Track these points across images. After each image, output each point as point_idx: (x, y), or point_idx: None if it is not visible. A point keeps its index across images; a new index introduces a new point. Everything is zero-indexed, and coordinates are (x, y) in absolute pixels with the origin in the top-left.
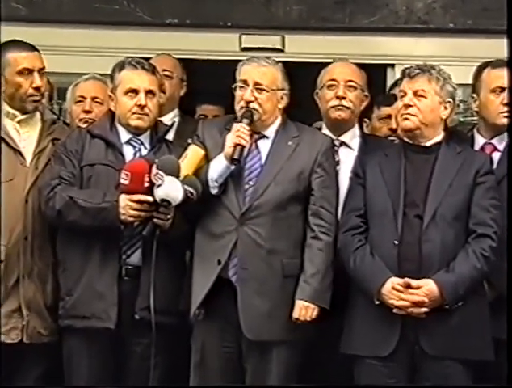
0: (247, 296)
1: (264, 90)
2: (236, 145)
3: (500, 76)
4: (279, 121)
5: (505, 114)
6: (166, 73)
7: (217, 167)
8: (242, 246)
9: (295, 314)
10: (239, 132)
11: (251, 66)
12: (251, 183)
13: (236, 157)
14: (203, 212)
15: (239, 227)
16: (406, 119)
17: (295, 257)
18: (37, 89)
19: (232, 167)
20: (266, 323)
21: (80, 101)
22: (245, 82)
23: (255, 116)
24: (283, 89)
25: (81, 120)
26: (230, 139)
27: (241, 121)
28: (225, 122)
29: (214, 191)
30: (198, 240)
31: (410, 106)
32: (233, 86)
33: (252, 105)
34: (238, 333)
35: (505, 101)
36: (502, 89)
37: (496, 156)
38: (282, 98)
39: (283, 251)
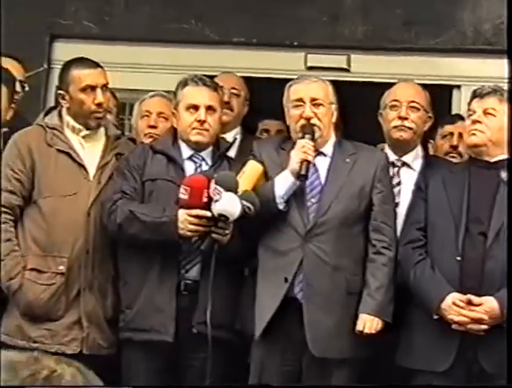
0: (313, 312)
1: (321, 104)
2: (303, 160)
3: None
4: (333, 138)
5: None
6: (234, 91)
7: (283, 184)
8: (308, 263)
9: (360, 327)
10: (305, 148)
11: (303, 84)
12: (313, 200)
13: (303, 173)
14: (265, 229)
15: (304, 244)
16: (473, 134)
17: (357, 273)
18: (99, 105)
19: (298, 183)
20: (330, 340)
21: (146, 116)
22: (300, 100)
23: (317, 133)
24: (334, 103)
25: (146, 134)
26: (296, 155)
27: (303, 137)
28: (279, 141)
29: (281, 206)
30: (261, 257)
31: (479, 122)
32: (285, 107)
33: (313, 121)
34: (299, 351)
35: None
36: None
37: None
38: (334, 112)
39: (346, 268)
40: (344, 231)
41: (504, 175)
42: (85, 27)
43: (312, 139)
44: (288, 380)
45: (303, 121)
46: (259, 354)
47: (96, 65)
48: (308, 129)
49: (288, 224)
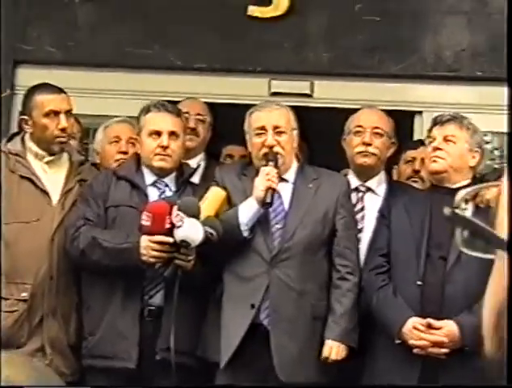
0: (279, 338)
1: (283, 132)
2: (267, 188)
3: None
4: (295, 164)
5: None
6: (200, 117)
7: (248, 211)
8: (274, 289)
9: (325, 353)
10: (269, 176)
11: (265, 112)
12: (278, 226)
13: (268, 200)
14: (230, 256)
15: (270, 270)
16: (434, 161)
17: (322, 299)
18: (63, 130)
19: (262, 210)
20: (297, 365)
21: (115, 141)
22: (262, 128)
23: (280, 160)
24: (296, 129)
25: (117, 160)
26: (261, 183)
27: (267, 165)
28: (241, 167)
29: (246, 234)
30: (227, 283)
31: (439, 149)
32: (247, 134)
33: (276, 149)
34: (265, 377)
35: None
36: None
37: None
38: (295, 138)
39: (311, 293)
40: (309, 257)
41: (447, 210)
42: (48, 53)
43: (276, 166)
44: None
45: (265, 149)
46: (225, 381)
47: (60, 90)
48: (272, 156)
49: (253, 250)
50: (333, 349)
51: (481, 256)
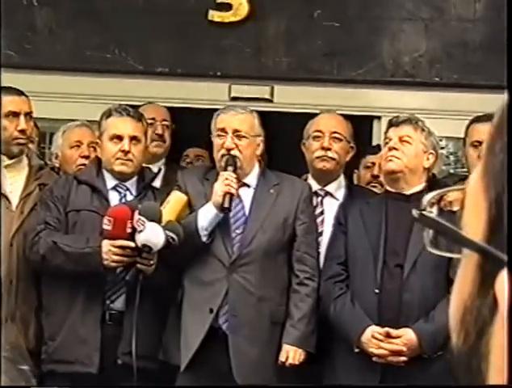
0: (238, 342)
1: (244, 136)
2: (225, 193)
3: (479, 131)
4: (257, 169)
5: None
6: (166, 123)
7: (206, 216)
8: (233, 294)
9: (283, 358)
10: (227, 181)
11: (228, 115)
12: (238, 231)
13: (226, 205)
14: (190, 260)
15: (229, 275)
16: (390, 160)
17: (281, 304)
18: (22, 132)
19: (221, 215)
20: (255, 369)
21: (76, 146)
22: (223, 130)
23: (238, 163)
24: (259, 135)
25: (78, 165)
26: (219, 188)
27: (225, 169)
28: (203, 171)
29: (204, 238)
30: (187, 288)
31: (395, 149)
32: (210, 136)
33: (233, 152)
34: (225, 381)
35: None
36: (480, 143)
37: None
38: (259, 144)
39: (271, 298)
40: (268, 262)
41: (415, 212)
42: (7, 56)
43: (235, 171)
44: None
45: (223, 151)
46: (184, 383)
47: (21, 93)
48: (231, 161)
49: (213, 255)
50: (291, 354)
51: (449, 256)
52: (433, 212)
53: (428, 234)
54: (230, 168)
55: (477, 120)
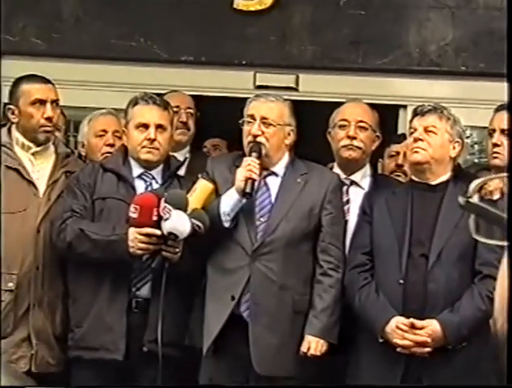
0: (258, 331)
1: (271, 124)
2: (247, 178)
3: (494, 118)
4: (286, 158)
5: (495, 155)
6: (191, 111)
7: (229, 201)
8: (255, 282)
9: (304, 349)
10: (250, 166)
11: (259, 102)
12: (262, 219)
13: (248, 190)
14: (214, 247)
15: (251, 263)
16: (416, 152)
17: (305, 293)
18: (49, 119)
19: (244, 201)
20: (275, 358)
21: (102, 135)
22: (252, 116)
23: (263, 150)
24: (289, 125)
25: (103, 153)
26: (241, 173)
27: (250, 155)
28: (233, 158)
29: (227, 224)
30: (210, 275)
31: (421, 140)
32: (241, 122)
33: (259, 139)
34: (247, 368)
35: (494, 141)
36: (494, 130)
37: None
38: (289, 134)
39: (293, 287)
40: (292, 251)
41: (461, 200)
42: (33, 44)
43: (259, 157)
44: None
45: (250, 138)
46: (207, 371)
47: (47, 81)
48: (255, 147)
49: (237, 242)
50: (312, 344)
51: (495, 243)
52: (475, 200)
53: (475, 221)
54: (254, 154)
55: (496, 109)
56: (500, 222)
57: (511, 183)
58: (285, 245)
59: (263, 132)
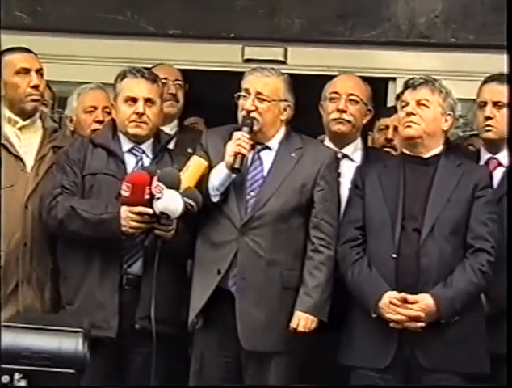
0: (245, 306)
1: (265, 100)
2: (236, 153)
3: (484, 90)
4: (282, 133)
5: (487, 128)
6: (179, 83)
7: (218, 175)
8: (242, 257)
9: (294, 324)
10: (239, 141)
11: (254, 76)
12: (253, 193)
13: (236, 166)
14: (204, 221)
15: (239, 237)
16: (409, 126)
17: (294, 269)
18: (35, 88)
19: (233, 176)
20: (262, 334)
21: (91, 111)
22: (247, 90)
23: (255, 126)
24: (286, 100)
25: (93, 130)
26: (230, 148)
27: (241, 130)
28: (229, 131)
29: (215, 199)
30: (198, 248)
31: (413, 114)
32: (236, 96)
33: (252, 114)
34: (237, 343)
35: (486, 114)
36: (485, 103)
37: (499, 171)
38: (285, 109)
39: (282, 263)
40: (282, 226)
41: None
42: (17, 18)
43: (250, 132)
44: (229, 372)
45: (244, 112)
46: (199, 345)
47: (29, 51)
48: (247, 122)
49: (226, 216)
50: (302, 321)
51: None
52: None
53: None
54: (246, 129)
55: (484, 81)
56: None
57: (510, 179)
58: (274, 220)
59: (257, 108)
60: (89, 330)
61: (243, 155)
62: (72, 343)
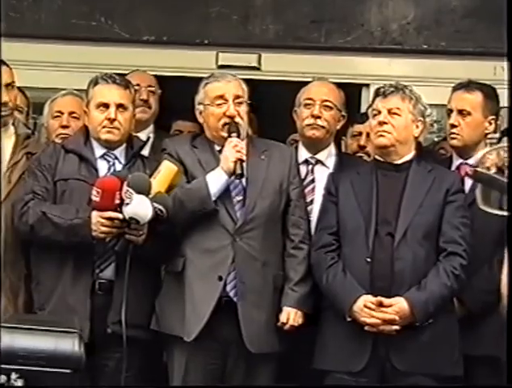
0: (247, 310)
1: (242, 103)
2: (237, 159)
3: (452, 98)
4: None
5: (452, 135)
6: (151, 89)
7: (217, 183)
8: (240, 261)
9: (284, 319)
10: (238, 147)
11: (224, 82)
12: (238, 198)
13: (239, 171)
14: (192, 228)
15: (233, 242)
16: (381, 136)
17: (281, 269)
18: (4, 105)
19: (231, 181)
20: (264, 335)
21: (57, 116)
22: (222, 97)
23: (241, 130)
24: (247, 101)
25: (58, 135)
26: (231, 154)
27: (230, 136)
28: (190, 139)
29: (214, 205)
30: (189, 256)
31: (385, 123)
32: (200, 106)
33: (237, 119)
34: (225, 349)
35: (451, 122)
36: (451, 111)
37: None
38: (249, 110)
39: (273, 263)
40: (270, 227)
41: (469, 169)
42: None
43: (239, 136)
44: (214, 376)
45: (226, 119)
46: (183, 353)
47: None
48: (234, 128)
49: (217, 222)
50: (291, 315)
51: (500, 213)
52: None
53: (482, 191)
54: (234, 135)
55: (454, 88)
56: (506, 191)
57: (511, 179)
58: (265, 221)
59: (238, 112)
60: (80, 329)
61: (242, 161)
62: (68, 344)
